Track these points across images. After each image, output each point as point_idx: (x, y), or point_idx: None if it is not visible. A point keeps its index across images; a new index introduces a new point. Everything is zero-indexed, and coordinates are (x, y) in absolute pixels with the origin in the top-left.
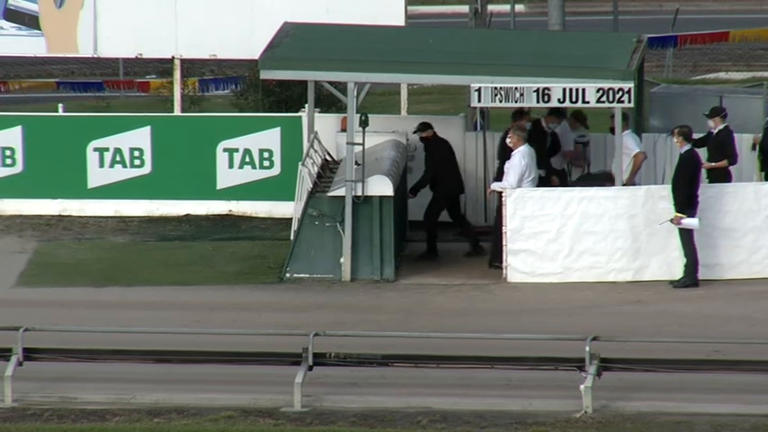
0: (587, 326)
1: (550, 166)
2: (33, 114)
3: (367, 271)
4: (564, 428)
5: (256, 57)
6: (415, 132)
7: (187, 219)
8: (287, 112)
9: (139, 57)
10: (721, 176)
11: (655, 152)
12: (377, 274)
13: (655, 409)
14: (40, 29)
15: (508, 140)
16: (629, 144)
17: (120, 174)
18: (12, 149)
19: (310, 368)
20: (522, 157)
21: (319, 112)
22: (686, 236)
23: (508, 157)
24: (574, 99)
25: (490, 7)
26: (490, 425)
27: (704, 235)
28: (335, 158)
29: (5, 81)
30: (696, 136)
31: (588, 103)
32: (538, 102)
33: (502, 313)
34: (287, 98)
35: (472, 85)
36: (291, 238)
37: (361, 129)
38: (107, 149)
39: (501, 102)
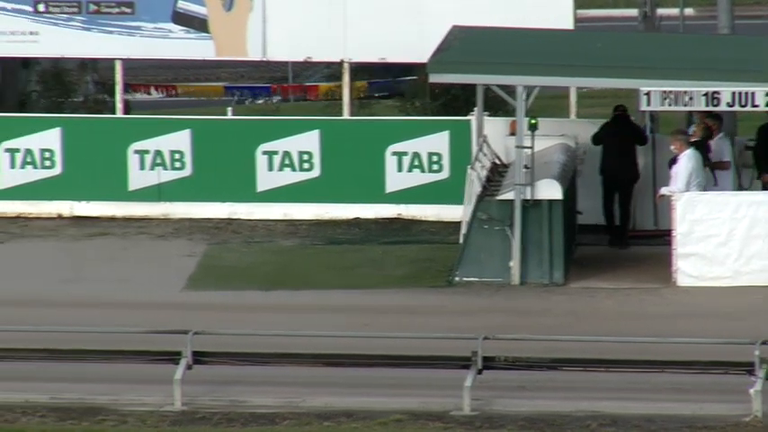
0: (757, 330)
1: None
2: (202, 117)
3: (536, 275)
4: None
5: (425, 60)
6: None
7: (356, 222)
8: (453, 115)
9: (308, 60)
10: None
11: None
12: (546, 278)
13: None
14: (208, 32)
15: (672, 147)
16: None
17: (289, 177)
18: (181, 153)
19: (479, 372)
20: (688, 160)
21: (488, 116)
22: None
23: None
24: (743, 103)
25: (659, 11)
26: (659, 429)
27: None
28: (504, 162)
29: (174, 85)
30: None
31: (757, 106)
32: (707, 105)
33: (671, 317)
34: (453, 102)
35: (641, 88)
36: (460, 241)
37: (530, 132)
38: (276, 153)
39: (670, 105)
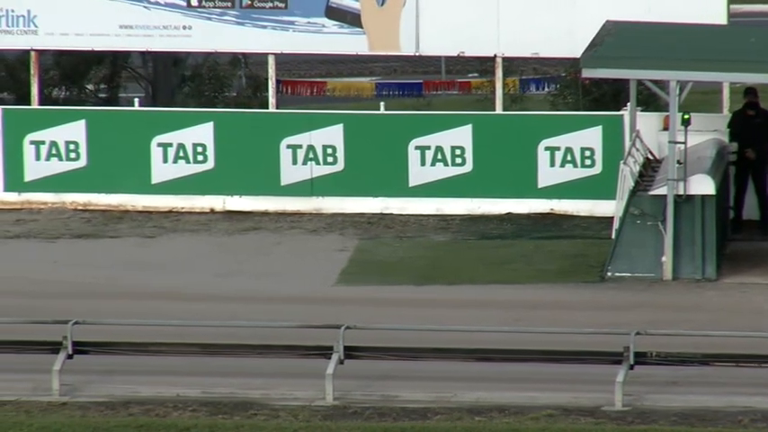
0: None
1: None
2: (354, 112)
3: (688, 270)
4: None
5: (577, 55)
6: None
7: (508, 217)
8: (602, 110)
9: (461, 55)
10: None
11: None
12: (698, 274)
13: None
14: (361, 27)
15: None
16: None
17: (440, 172)
18: (333, 147)
19: (631, 367)
20: None
21: (640, 111)
22: None
23: None
24: None
25: None
26: None
27: None
28: (657, 157)
29: (324, 81)
30: None
31: None
32: None
33: None
34: (602, 97)
35: None
36: (612, 236)
37: (682, 127)
38: (428, 147)
39: None
